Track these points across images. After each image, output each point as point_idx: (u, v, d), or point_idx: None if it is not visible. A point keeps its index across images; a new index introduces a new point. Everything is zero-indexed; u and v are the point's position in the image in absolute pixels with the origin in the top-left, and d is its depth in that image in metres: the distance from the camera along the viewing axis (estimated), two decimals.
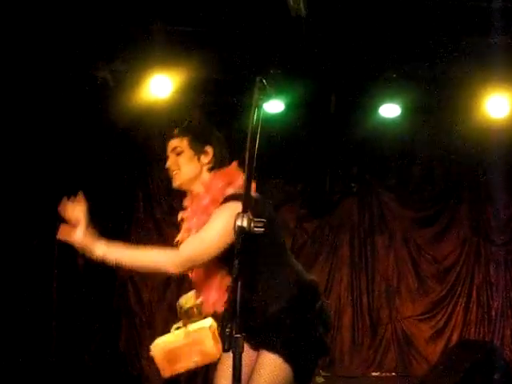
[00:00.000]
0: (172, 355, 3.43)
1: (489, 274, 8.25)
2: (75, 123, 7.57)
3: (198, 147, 3.44)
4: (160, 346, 3.53)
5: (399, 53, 6.74)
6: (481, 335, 8.16)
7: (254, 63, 6.58)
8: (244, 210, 2.40)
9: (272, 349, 3.14)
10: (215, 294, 3.36)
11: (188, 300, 3.57)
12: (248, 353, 3.14)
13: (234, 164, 3.45)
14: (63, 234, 3.30)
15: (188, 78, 7.00)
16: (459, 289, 8.27)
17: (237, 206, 2.77)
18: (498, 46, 6.38)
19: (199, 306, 3.49)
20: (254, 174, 2.49)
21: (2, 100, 6.70)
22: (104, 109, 7.42)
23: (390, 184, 8.47)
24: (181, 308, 3.55)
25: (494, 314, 8.17)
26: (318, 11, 5.89)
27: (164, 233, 8.13)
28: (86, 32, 6.39)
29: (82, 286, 7.70)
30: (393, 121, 7.63)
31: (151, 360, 3.60)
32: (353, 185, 8.45)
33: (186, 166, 3.41)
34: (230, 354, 2.86)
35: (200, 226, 3.24)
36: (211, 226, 3.16)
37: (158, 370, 3.55)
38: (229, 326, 2.32)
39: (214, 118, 8.05)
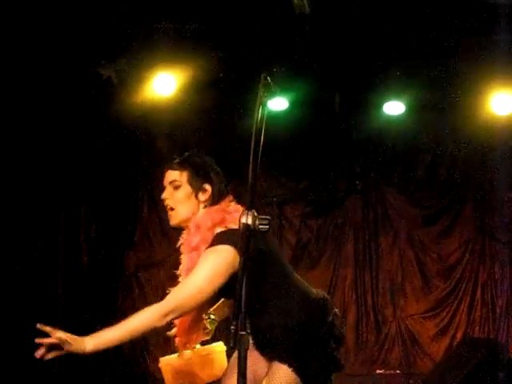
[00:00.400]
0: (179, 373, 3.55)
1: (493, 272, 8.24)
2: (79, 122, 7.58)
3: (197, 184, 3.34)
4: (170, 362, 3.65)
5: (403, 50, 6.74)
6: (485, 333, 8.15)
7: (259, 61, 6.58)
8: (249, 208, 2.39)
9: (284, 360, 3.11)
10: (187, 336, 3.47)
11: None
12: (260, 363, 3.19)
13: (229, 198, 3.36)
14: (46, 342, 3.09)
15: (192, 77, 7.00)
16: (464, 287, 8.25)
17: (225, 249, 3.04)
18: (503, 44, 6.38)
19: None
20: (258, 170, 2.49)
21: (6, 99, 6.71)
22: (108, 107, 7.43)
23: (394, 182, 8.46)
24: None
25: (498, 311, 8.16)
26: (322, 9, 5.89)
27: (168, 233, 8.13)
28: (90, 30, 6.39)
29: (87, 285, 7.71)
30: (397, 118, 7.64)
31: (156, 364, 3.81)
32: (357, 182, 8.44)
33: (184, 203, 3.32)
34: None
35: (190, 269, 3.17)
36: (198, 271, 3.08)
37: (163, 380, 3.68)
38: (234, 323, 2.32)
39: (219, 116, 8.12)
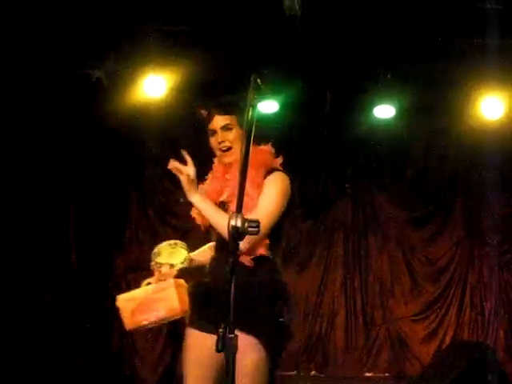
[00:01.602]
0: (135, 306, 3.52)
1: (482, 274, 8.26)
2: (69, 123, 7.57)
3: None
4: (125, 297, 3.62)
5: (394, 53, 6.74)
6: (474, 336, 8.17)
7: (249, 63, 6.57)
8: (238, 210, 2.39)
9: (248, 331, 3.19)
10: None
11: (164, 252, 3.70)
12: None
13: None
14: (175, 165, 3.41)
15: (182, 78, 6.99)
16: (453, 290, 8.28)
17: (286, 177, 3.52)
18: (493, 48, 6.38)
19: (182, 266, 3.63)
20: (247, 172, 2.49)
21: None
22: (98, 108, 7.40)
23: (384, 184, 8.47)
24: (155, 261, 3.67)
25: (487, 314, 8.18)
26: (313, 10, 5.88)
27: (157, 233, 8.12)
28: (79, 31, 6.38)
29: (75, 286, 7.69)
30: (387, 122, 7.64)
31: (117, 313, 3.66)
32: (347, 185, 8.45)
33: (238, 142, 3.53)
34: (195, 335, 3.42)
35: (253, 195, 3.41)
36: (269, 197, 3.42)
37: (122, 323, 3.64)
38: (222, 325, 2.31)
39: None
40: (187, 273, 3.62)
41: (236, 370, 3.00)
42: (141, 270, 8.03)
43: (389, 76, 7.09)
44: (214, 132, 3.61)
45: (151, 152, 8.17)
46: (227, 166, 3.60)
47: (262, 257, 3.42)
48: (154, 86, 7.08)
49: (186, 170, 3.36)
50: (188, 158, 3.40)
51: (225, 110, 3.63)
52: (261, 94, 2.62)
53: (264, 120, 7.11)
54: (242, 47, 6.58)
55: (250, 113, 2.55)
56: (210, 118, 3.64)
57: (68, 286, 7.66)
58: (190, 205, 3.51)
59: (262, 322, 3.33)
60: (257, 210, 3.37)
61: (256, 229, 2.41)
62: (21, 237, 7.31)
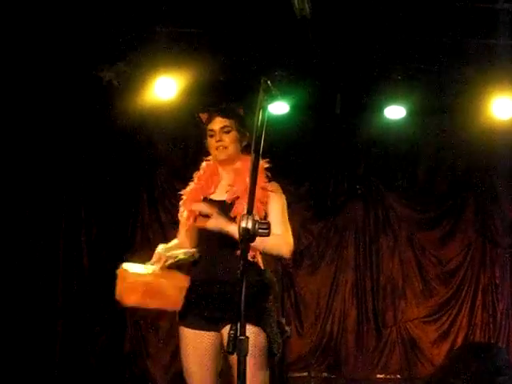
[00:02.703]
0: (143, 288, 3.53)
1: (494, 276, 8.23)
2: (80, 125, 7.59)
3: (242, 132, 3.80)
4: (135, 272, 3.68)
5: (404, 54, 6.74)
6: (486, 338, 8.14)
7: (259, 65, 6.58)
8: (248, 212, 2.39)
9: (249, 321, 3.20)
10: None
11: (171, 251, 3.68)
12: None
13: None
14: (199, 207, 3.67)
15: (192, 80, 7.00)
16: (464, 291, 8.25)
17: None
18: (504, 48, 6.37)
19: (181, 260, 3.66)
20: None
21: (8, 102, 6.72)
22: (109, 110, 7.43)
23: (395, 186, 8.45)
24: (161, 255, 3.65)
25: (499, 316, 8.15)
26: (323, 12, 5.88)
27: (168, 234, 8.12)
28: (91, 34, 6.39)
29: (88, 288, 7.71)
30: (398, 122, 7.63)
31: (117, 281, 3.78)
32: (358, 186, 8.43)
33: (234, 144, 3.76)
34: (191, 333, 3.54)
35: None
36: (283, 217, 3.74)
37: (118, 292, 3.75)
38: (233, 328, 2.31)
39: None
40: (176, 266, 3.67)
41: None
42: None
43: (399, 77, 7.07)
44: (213, 132, 3.76)
45: (162, 153, 8.18)
46: (220, 164, 3.81)
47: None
48: (165, 88, 7.09)
49: (211, 209, 3.55)
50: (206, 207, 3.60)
51: (225, 114, 3.80)
52: (271, 96, 2.62)
53: (275, 122, 7.12)
54: (253, 49, 6.59)
55: (261, 114, 2.56)
56: (210, 119, 3.79)
57: (80, 288, 7.68)
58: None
59: (259, 313, 3.50)
60: (279, 226, 3.65)
61: (266, 230, 2.43)
62: (33, 239, 7.34)
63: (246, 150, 3.84)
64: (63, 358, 7.52)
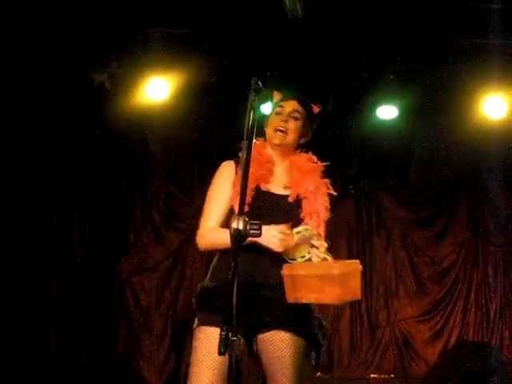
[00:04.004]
0: (316, 282, 3.12)
1: (487, 275, 8.25)
2: (72, 126, 7.58)
3: (307, 127, 3.69)
4: (297, 266, 3.24)
5: (397, 54, 6.75)
6: (479, 337, 8.15)
7: (251, 65, 6.58)
8: (240, 213, 2.39)
9: (283, 327, 3.19)
10: None
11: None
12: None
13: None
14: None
15: (184, 81, 7.00)
16: (457, 290, 8.26)
17: None
18: (495, 48, 6.39)
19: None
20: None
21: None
22: (101, 112, 7.42)
23: (387, 185, 8.46)
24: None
25: (492, 315, 8.16)
26: (315, 12, 5.88)
27: (161, 236, 8.14)
28: (82, 35, 6.39)
29: (81, 289, 7.70)
30: (390, 122, 7.64)
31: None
32: (350, 186, 8.43)
33: (294, 133, 3.56)
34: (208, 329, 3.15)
35: (315, 213, 3.56)
36: None
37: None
38: (225, 328, 2.32)
39: (211, 120, 8.12)
40: None
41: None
42: (145, 273, 8.12)
43: (391, 76, 7.09)
44: (282, 111, 3.55)
45: (154, 155, 8.17)
46: (274, 149, 3.56)
47: None
48: (157, 90, 7.09)
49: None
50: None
51: (303, 101, 3.64)
52: (262, 97, 2.63)
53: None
54: (244, 50, 6.59)
55: (252, 115, 2.56)
56: (284, 99, 3.59)
57: (73, 290, 7.67)
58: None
59: (302, 319, 3.27)
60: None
61: (257, 231, 2.42)
62: (25, 240, 7.33)
63: (299, 148, 3.72)
64: (57, 359, 7.50)
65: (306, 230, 3.34)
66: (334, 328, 8.27)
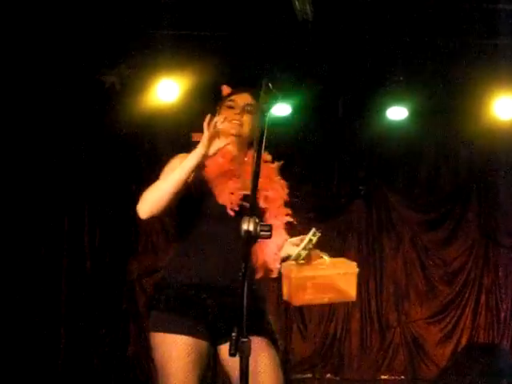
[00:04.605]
0: (310, 283, 3.11)
1: (497, 276, 8.23)
2: (83, 128, 7.60)
3: (258, 123, 3.33)
4: (300, 272, 3.15)
5: (406, 56, 6.74)
6: (490, 338, 8.14)
7: (261, 67, 6.58)
8: (250, 214, 2.39)
9: (260, 333, 3.08)
10: None
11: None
12: None
13: None
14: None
15: (195, 83, 7.01)
16: (468, 292, 8.25)
17: None
18: (505, 48, 6.38)
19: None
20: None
21: (10, 106, 6.74)
22: (111, 113, 7.43)
23: (397, 187, 8.45)
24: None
25: (502, 316, 8.16)
26: (325, 15, 5.89)
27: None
28: (93, 37, 6.41)
29: (91, 290, 7.72)
30: (400, 123, 7.63)
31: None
32: (360, 188, 8.43)
33: (248, 128, 3.35)
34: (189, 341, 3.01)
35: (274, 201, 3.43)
36: None
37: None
38: (235, 329, 2.32)
39: None
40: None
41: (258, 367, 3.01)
42: (155, 274, 8.12)
43: (401, 78, 7.08)
44: (235, 104, 3.38)
45: (164, 156, 8.16)
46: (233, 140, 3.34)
47: None
48: (167, 91, 7.10)
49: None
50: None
51: (257, 95, 3.42)
52: (272, 98, 2.62)
53: (277, 123, 7.13)
54: (255, 51, 6.59)
55: (262, 117, 2.56)
56: (236, 92, 3.44)
57: (83, 292, 7.69)
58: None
59: (267, 325, 3.20)
60: None
61: (268, 233, 2.42)
62: (36, 242, 7.36)
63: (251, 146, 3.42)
64: (67, 359, 7.52)
65: (314, 233, 3.27)
66: (344, 329, 8.27)
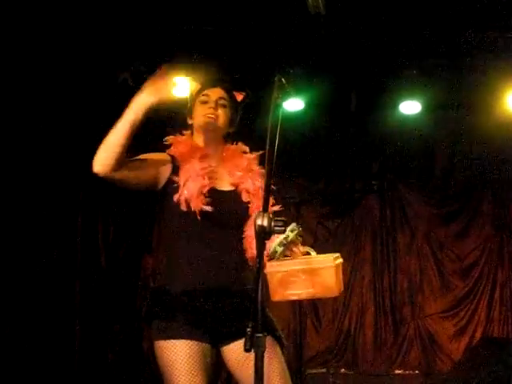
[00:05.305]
0: (286, 278, 3.04)
1: None
2: (95, 125, 7.60)
3: (234, 115, 3.47)
4: (276, 266, 3.07)
5: (419, 49, 6.72)
6: (504, 332, 8.11)
7: (274, 62, 6.58)
8: (264, 209, 2.39)
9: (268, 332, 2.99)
10: None
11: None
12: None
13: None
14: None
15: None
16: (482, 286, 8.22)
17: None
18: None
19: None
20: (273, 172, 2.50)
21: (23, 103, 6.75)
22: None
23: (411, 181, 8.44)
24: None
25: None
26: (337, 9, 5.87)
27: None
28: (106, 33, 6.41)
29: (105, 287, 7.74)
30: (413, 118, 7.61)
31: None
32: (374, 182, 8.42)
33: (224, 120, 3.38)
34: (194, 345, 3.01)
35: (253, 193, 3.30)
36: None
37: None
38: (250, 325, 2.32)
39: None
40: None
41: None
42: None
43: (414, 72, 7.06)
44: (208, 99, 3.40)
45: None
46: (206, 139, 3.39)
47: None
48: (180, 87, 7.09)
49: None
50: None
51: (230, 90, 3.48)
52: (285, 93, 2.62)
53: (290, 118, 7.12)
54: (267, 47, 6.59)
55: (275, 112, 2.56)
56: (207, 86, 3.47)
57: (97, 288, 7.72)
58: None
59: (271, 322, 3.20)
60: None
61: (282, 228, 2.42)
62: (50, 238, 7.38)
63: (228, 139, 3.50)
64: (82, 356, 7.55)
65: (293, 229, 3.11)
66: (358, 324, 8.27)
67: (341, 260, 3.27)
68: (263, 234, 2.37)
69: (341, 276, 3.22)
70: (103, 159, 3.27)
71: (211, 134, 3.38)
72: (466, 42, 6.54)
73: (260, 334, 2.30)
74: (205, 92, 3.44)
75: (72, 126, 7.43)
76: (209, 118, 3.35)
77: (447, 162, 8.39)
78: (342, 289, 3.22)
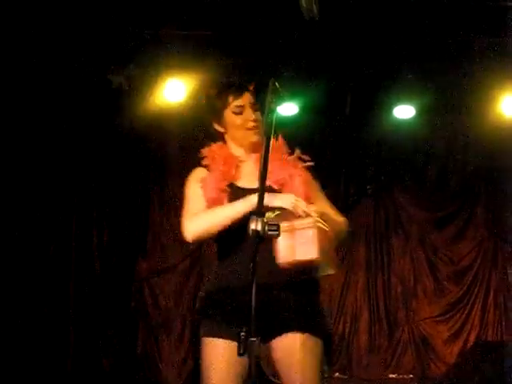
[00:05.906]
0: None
1: (506, 274, 8.21)
2: (90, 128, 7.61)
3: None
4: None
5: (413, 54, 6.73)
6: (498, 336, 8.12)
7: (268, 66, 6.58)
8: (258, 214, 2.39)
9: (295, 329, 3.10)
10: None
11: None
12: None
13: None
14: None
15: (202, 82, 7.01)
16: (476, 290, 8.24)
17: None
18: None
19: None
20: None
21: (17, 106, 6.75)
22: (118, 114, 7.44)
23: (405, 185, 8.45)
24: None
25: (511, 314, 8.13)
26: (332, 13, 5.87)
27: (179, 236, 8.13)
28: (100, 37, 6.41)
29: (99, 290, 7.73)
30: (407, 122, 7.62)
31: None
32: (368, 186, 8.43)
33: (260, 124, 3.27)
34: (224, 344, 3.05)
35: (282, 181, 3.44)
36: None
37: None
38: (244, 329, 2.32)
39: None
40: None
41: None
42: (163, 274, 8.13)
43: (408, 75, 7.07)
44: (242, 108, 3.30)
45: (172, 156, 8.18)
46: (247, 147, 3.36)
47: None
48: (174, 91, 7.10)
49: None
50: None
51: (255, 92, 3.38)
52: (279, 98, 2.62)
53: (284, 123, 7.12)
54: (261, 51, 6.59)
55: (270, 116, 2.56)
56: (237, 94, 3.32)
57: (92, 291, 7.71)
58: None
59: (315, 319, 3.22)
60: (330, 207, 3.71)
61: (276, 232, 2.42)
62: (45, 242, 7.37)
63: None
64: (76, 360, 7.54)
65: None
66: (353, 328, 8.27)
67: (326, 228, 3.25)
68: (257, 239, 2.37)
69: (327, 245, 3.20)
70: (199, 234, 3.33)
71: (255, 144, 3.34)
72: (459, 46, 6.55)
73: (254, 339, 2.30)
74: (235, 102, 3.32)
75: (67, 130, 7.43)
76: (251, 130, 3.31)
77: (441, 166, 8.41)
78: (332, 262, 3.31)
